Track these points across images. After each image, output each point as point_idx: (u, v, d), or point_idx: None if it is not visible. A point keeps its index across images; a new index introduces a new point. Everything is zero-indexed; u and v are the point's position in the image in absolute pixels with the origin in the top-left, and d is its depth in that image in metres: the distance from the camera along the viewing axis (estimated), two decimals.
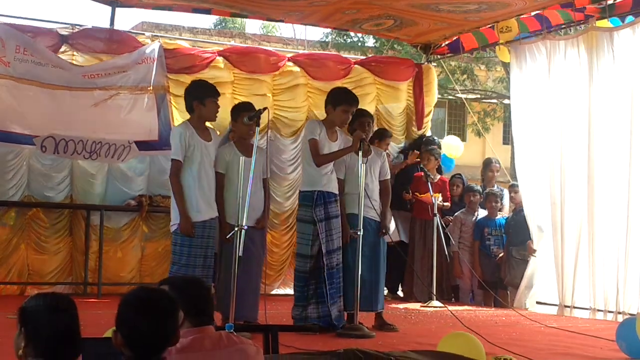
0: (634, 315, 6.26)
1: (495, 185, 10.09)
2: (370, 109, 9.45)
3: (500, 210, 9.79)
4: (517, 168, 9.17)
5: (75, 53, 8.82)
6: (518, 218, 9.43)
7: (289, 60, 9.88)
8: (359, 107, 6.74)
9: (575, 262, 8.40)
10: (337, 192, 6.50)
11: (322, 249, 6.29)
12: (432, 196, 9.20)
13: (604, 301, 8.07)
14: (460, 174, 10.54)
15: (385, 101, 10.30)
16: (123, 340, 2.69)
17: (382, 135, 9.10)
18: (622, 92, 8.05)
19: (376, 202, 6.73)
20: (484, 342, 4.94)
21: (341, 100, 6.48)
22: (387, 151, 9.27)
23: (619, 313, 7.78)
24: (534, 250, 8.97)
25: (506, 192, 10.04)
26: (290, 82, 9.82)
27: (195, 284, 3.27)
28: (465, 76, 22.44)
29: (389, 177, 7.02)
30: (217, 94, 6.27)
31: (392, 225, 9.31)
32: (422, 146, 10.04)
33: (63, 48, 8.78)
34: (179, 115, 8.86)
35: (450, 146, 11.08)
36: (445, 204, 9.78)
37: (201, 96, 6.15)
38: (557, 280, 8.60)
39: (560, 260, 8.57)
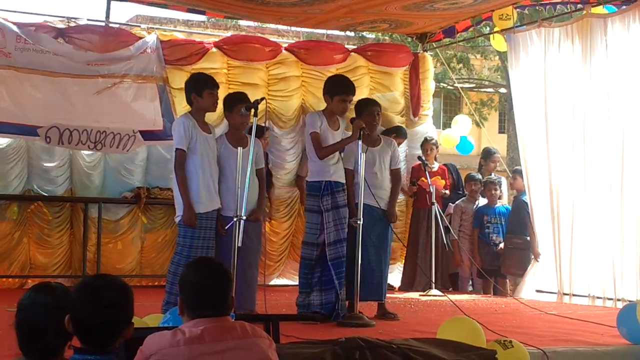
0: (632, 301, 6.26)
1: (493, 174, 10.10)
2: None
3: (499, 198, 9.79)
4: (523, 159, 9.13)
5: (72, 48, 8.78)
6: (514, 206, 9.45)
7: (284, 49, 9.85)
8: (366, 96, 6.71)
9: (570, 249, 8.41)
10: (344, 181, 6.49)
11: (325, 239, 6.28)
12: (429, 185, 9.21)
13: (602, 288, 8.08)
14: (446, 164, 10.53)
15: (380, 90, 10.27)
16: (71, 325, 2.71)
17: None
18: (615, 79, 8.04)
19: (385, 191, 6.73)
20: (484, 330, 4.94)
21: (337, 90, 6.45)
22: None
23: (618, 300, 7.80)
24: (539, 254, 8.99)
25: (504, 180, 10.06)
26: (285, 74, 9.79)
27: (209, 269, 3.20)
28: (461, 65, 22.41)
29: (400, 166, 7.01)
30: (215, 86, 6.28)
31: None
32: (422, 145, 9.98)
33: (59, 41, 8.73)
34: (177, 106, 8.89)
35: (461, 127, 11.15)
36: (446, 191, 9.80)
37: (198, 89, 6.17)
38: (555, 268, 8.61)
39: (557, 249, 8.58)
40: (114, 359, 2.60)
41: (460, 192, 10.25)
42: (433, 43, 10.87)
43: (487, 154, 10.43)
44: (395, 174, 6.86)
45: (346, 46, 10.62)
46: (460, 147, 11.29)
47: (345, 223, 6.37)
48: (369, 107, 6.73)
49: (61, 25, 8.89)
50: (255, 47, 9.71)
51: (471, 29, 10.24)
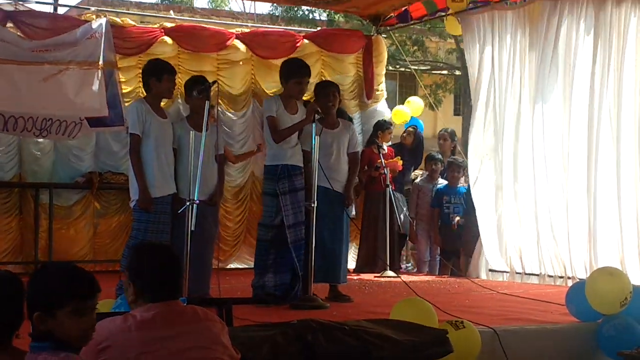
0: (582, 279, 6.38)
1: (456, 156, 10.14)
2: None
3: (460, 180, 9.83)
4: (470, 138, 9.21)
5: (19, 33, 8.62)
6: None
7: (235, 37, 9.78)
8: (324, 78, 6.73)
9: (527, 229, 8.47)
10: (301, 165, 6.49)
11: (285, 221, 6.28)
12: (384, 167, 9.26)
13: (553, 267, 8.20)
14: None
15: (331, 74, 10.27)
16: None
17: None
18: (564, 64, 8.12)
19: (342, 174, 6.75)
20: (437, 310, 5.00)
21: (291, 73, 6.48)
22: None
23: (569, 278, 7.92)
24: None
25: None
26: (235, 57, 9.74)
27: (161, 253, 3.19)
28: (415, 47, 22.48)
29: (358, 149, 7.04)
30: (174, 72, 6.39)
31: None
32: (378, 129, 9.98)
33: (8, 25, 8.58)
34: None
35: (413, 106, 11.16)
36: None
37: (158, 73, 6.23)
38: (509, 248, 8.69)
39: (511, 228, 8.66)
40: (47, 346, 2.60)
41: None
42: (387, 26, 10.86)
43: (440, 137, 10.46)
44: (352, 158, 6.89)
45: (298, 29, 10.58)
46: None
47: (303, 206, 6.38)
48: (324, 89, 6.78)
49: (9, 8, 8.72)
50: (206, 35, 9.62)
51: (426, 17, 10.25)
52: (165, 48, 9.27)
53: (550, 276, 8.22)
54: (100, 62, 8.67)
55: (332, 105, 6.76)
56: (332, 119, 6.78)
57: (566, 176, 8.02)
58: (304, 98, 6.76)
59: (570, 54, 8.04)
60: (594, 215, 7.73)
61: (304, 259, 6.34)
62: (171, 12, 17.00)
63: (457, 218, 9.53)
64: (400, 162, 9.65)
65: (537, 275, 8.38)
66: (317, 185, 6.31)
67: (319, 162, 6.31)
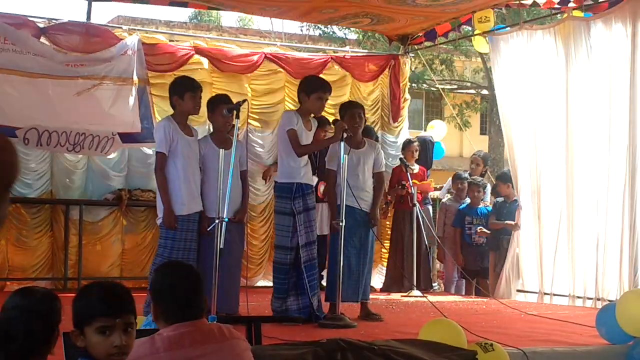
0: (612, 301, 6.31)
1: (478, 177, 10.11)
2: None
3: (482, 200, 9.81)
4: (510, 160, 9.15)
5: (54, 46, 8.73)
6: (501, 208, 9.48)
7: (265, 58, 9.83)
8: (351, 99, 6.73)
9: (554, 249, 8.45)
10: (312, 183, 6.50)
11: (299, 241, 6.27)
12: (411, 186, 9.25)
13: (583, 288, 8.13)
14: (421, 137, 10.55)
15: (356, 94, 10.31)
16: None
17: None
18: (598, 81, 8.10)
19: (367, 193, 6.75)
20: (465, 331, 4.96)
21: (314, 87, 6.43)
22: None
23: (598, 299, 7.86)
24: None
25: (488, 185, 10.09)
26: (267, 81, 9.84)
27: (185, 275, 3.16)
28: (443, 66, 22.47)
29: (383, 169, 7.04)
30: (196, 88, 6.31)
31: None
32: (401, 149, 10.01)
33: (42, 40, 8.67)
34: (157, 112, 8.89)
35: (437, 131, 11.20)
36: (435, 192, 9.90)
37: (180, 91, 6.22)
38: (537, 268, 8.65)
39: (539, 248, 8.62)
40: None
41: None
42: (415, 45, 10.88)
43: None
44: (378, 177, 6.89)
45: (327, 51, 10.63)
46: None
47: (315, 225, 6.41)
48: (350, 110, 6.76)
49: (42, 25, 8.82)
50: (236, 58, 9.66)
51: (452, 32, 10.24)
52: (198, 67, 9.34)
53: (579, 297, 8.16)
54: (135, 78, 8.76)
55: (358, 126, 6.75)
56: (358, 139, 6.79)
57: (601, 196, 7.97)
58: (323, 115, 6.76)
59: (606, 71, 8.01)
60: (629, 236, 7.68)
61: (327, 278, 6.34)
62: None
63: (482, 241, 9.51)
64: (433, 184, 9.67)
65: (566, 296, 8.31)
66: (345, 205, 6.30)
67: (353, 182, 6.33)
